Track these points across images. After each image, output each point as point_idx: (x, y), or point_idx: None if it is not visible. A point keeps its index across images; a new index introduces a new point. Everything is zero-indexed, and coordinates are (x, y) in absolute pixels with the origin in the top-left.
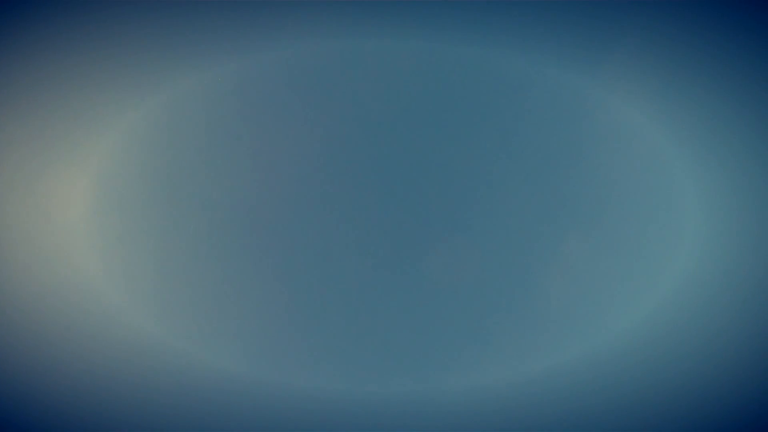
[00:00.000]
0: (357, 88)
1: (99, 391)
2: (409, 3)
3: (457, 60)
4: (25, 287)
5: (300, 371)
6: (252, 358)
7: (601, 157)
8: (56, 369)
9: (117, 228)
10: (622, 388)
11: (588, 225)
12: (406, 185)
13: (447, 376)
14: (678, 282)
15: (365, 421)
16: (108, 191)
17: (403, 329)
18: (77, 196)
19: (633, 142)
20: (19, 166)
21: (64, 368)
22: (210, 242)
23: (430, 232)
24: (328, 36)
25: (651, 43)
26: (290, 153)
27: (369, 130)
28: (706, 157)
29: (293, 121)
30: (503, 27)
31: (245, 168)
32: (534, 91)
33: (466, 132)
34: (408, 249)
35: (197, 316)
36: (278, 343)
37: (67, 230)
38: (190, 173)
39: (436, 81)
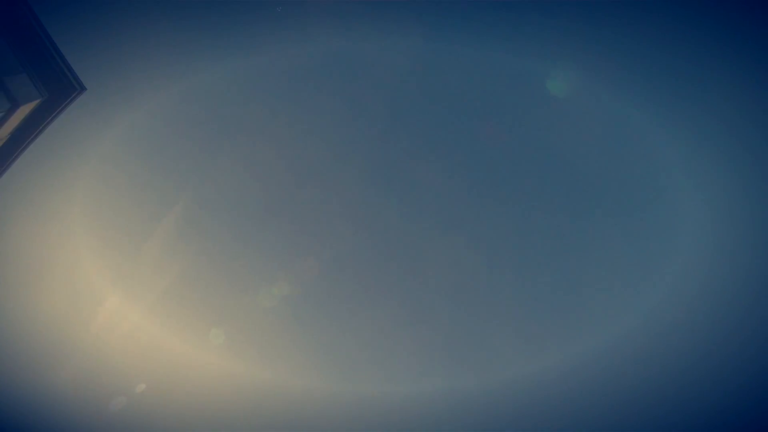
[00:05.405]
0: (357, 88)
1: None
2: (409, 3)
3: (456, 60)
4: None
5: (298, 371)
6: (250, 359)
7: (602, 155)
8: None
9: (116, 230)
10: (621, 387)
11: (586, 224)
12: (406, 184)
13: (447, 376)
14: (677, 282)
15: (367, 421)
16: (108, 193)
17: (402, 329)
18: (77, 198)
19: (633, 141)
20: (18, 168)
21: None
22: (207, 241)
23: (428, 230)
24: (327, 36)
25: (651, 42)
26: (290, 153)
27: (369, 130)
28: (706, 155)
29: (292, 120)
30: (502, 26)
31: (244, 167)
32: (533, 90)
33: (465, 131)
34: (408, 249)
35: (196, 316)
36: (278, 342)
37: (67, 233)
38: (188, 174)
39: (436, 80)
